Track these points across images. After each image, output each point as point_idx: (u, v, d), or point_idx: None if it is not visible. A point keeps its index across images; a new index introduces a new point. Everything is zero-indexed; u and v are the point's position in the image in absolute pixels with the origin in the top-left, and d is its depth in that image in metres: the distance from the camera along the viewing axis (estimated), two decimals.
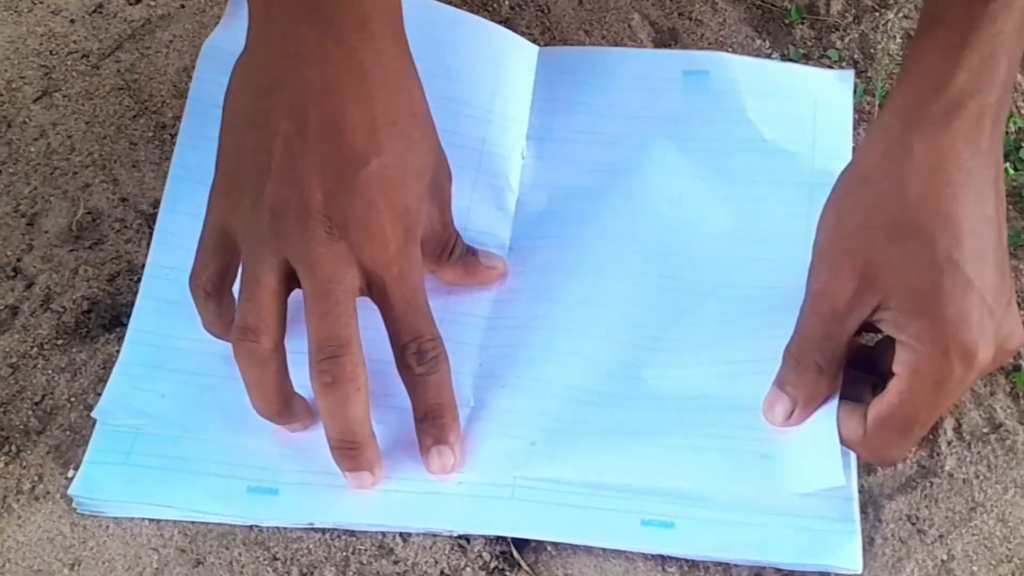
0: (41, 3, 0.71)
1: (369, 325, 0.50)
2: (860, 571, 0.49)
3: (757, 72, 0.65)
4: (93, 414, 0.53)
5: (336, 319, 0.48)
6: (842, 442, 0.50)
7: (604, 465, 0.52)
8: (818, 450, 0.50)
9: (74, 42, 0.70)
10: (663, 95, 0.64)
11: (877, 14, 0.69)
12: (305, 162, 0.48)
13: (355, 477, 0.51)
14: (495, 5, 0.71)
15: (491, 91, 0.64)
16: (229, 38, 0.60)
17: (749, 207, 0.60)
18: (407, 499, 0.51)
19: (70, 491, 0.51)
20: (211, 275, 0.51)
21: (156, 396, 0.54)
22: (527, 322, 0.56)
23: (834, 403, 0.51)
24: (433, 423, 0.51)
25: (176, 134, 0.66)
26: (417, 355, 0.51)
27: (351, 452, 0.50)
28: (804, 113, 0.62)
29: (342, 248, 0.48)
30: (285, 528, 0.51)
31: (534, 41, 0.69)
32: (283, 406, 0.51)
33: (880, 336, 0.53)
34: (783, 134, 0.62)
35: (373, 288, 0.50)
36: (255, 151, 0.49)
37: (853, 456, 0.52)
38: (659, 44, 0.69)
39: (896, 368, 0.49)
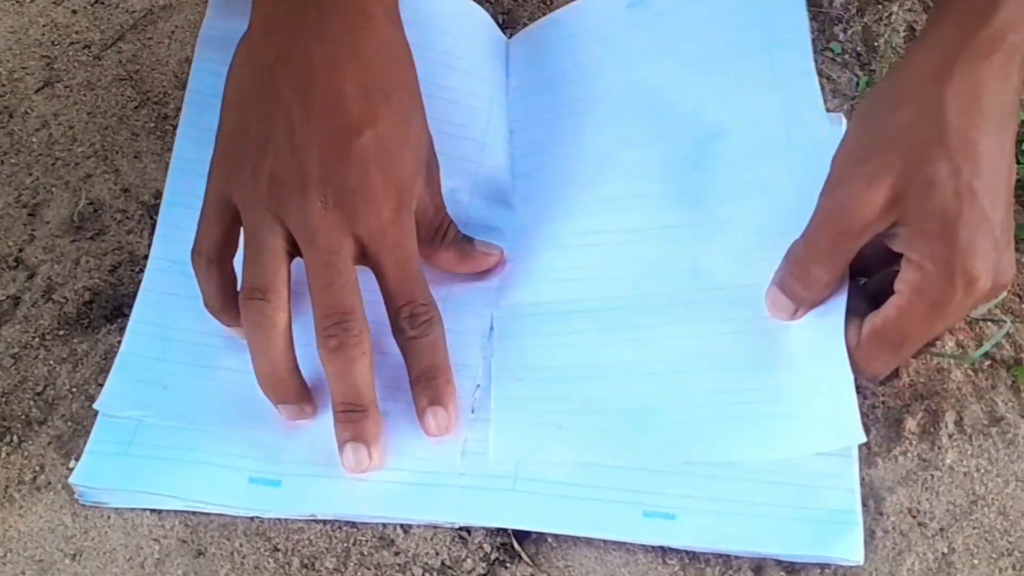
0: None
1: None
2: (862, 562, 0.49)
3: None
4: (95, 406, 0.53)
5: (339, 288, 0.50)
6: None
7: (620, 444, 0.51)
8: (834, 406, 0.51)
9: (76, 32, 0.70)
10: (613, 37, 0.64)
11: (880, 6, 0.69)
12: (304, 134, 0.50)
13: (354, 451, 0.50)
14: None
15: (493, 84, 0.64)
16: (223, 27, 0.60)
17: (729, 130, 0.59)
18: (408, 491, 0.51)
19: (71, 480, 0.51)
20: (214, 242, 0.52)
21: (158, 388, 0.54)
22: (530, 308, 0.56)
23: (845, 359, 0.51)
24: (427, 384, 0.52)
25: (177, 124, 0.66)
26: (410, 319, 0.51)
27: (355, 416, 0.50)
28: (752, 19, 0.62)
29: (338, 217, 0.50)
30: (286, 519, 0.51)
31: None
32: (289, 374, 0.51)
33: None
34: (738, 39, 0.61)
35: (368, 255, 0.51)
36: (257, 123, 0.51)
37: (855, 448, 0.52)
38: None
39: (899, 285, 0.50)
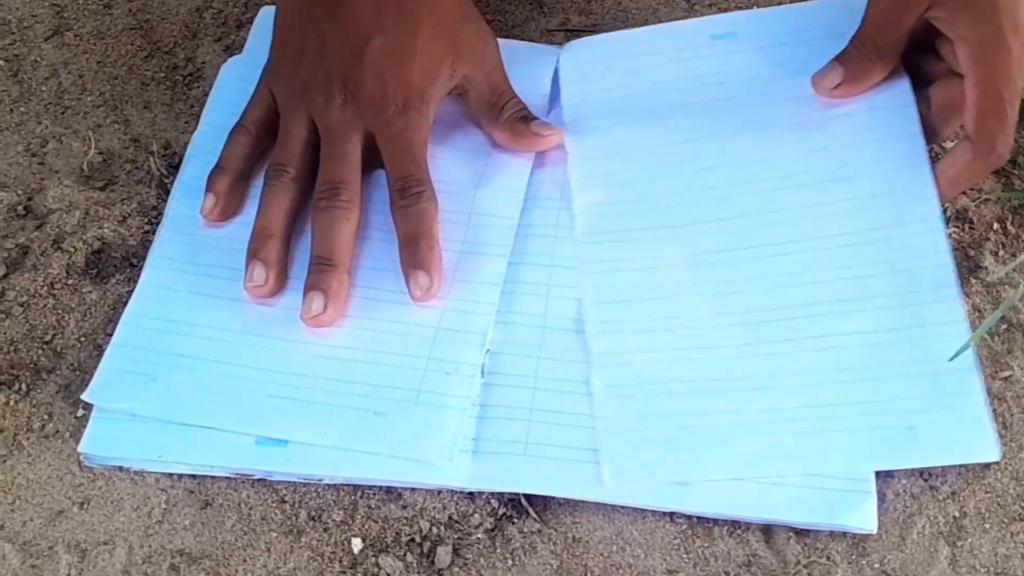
0: None
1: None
2: (875, 531, 0.49)
3: (781, 21, 0.64)
4: (84, 397, 0.52)
5: (341, 163, 0.56)
6: (954, 177, 0.55)
7: (733, 456, 0.50)
8: (967, 421, 0.50)
9: None
10: (693, 63, 0.63)
11: None
12: (330, 46, 0.58)
13: (312, 299, 0.53)
14: None
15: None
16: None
17: (809, 157, 0.58)
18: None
19: (79, 448, 0.51)
20: (256, 118, 0.59)
21: (148, 379, 0.53)
22: (629, 325, 0.54)
23: (977, 379, 0.50)
24: (410, 250, 0.55)
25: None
26: (402, 190, 0.56)
27: (324, 267, 0.54)
28: (837, 48, 0.60)
29: (352, 112, 0.57)
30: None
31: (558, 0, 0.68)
32: (278, 235, 0.55)
33: None
34: None
35: (376, 143, 0.57)
36: (295, 39, 0.59)
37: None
38: None
39: (962, 69, 0.55)
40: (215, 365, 0.53)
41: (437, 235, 0.55)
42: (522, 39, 0.66)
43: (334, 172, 0.56)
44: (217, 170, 0.58)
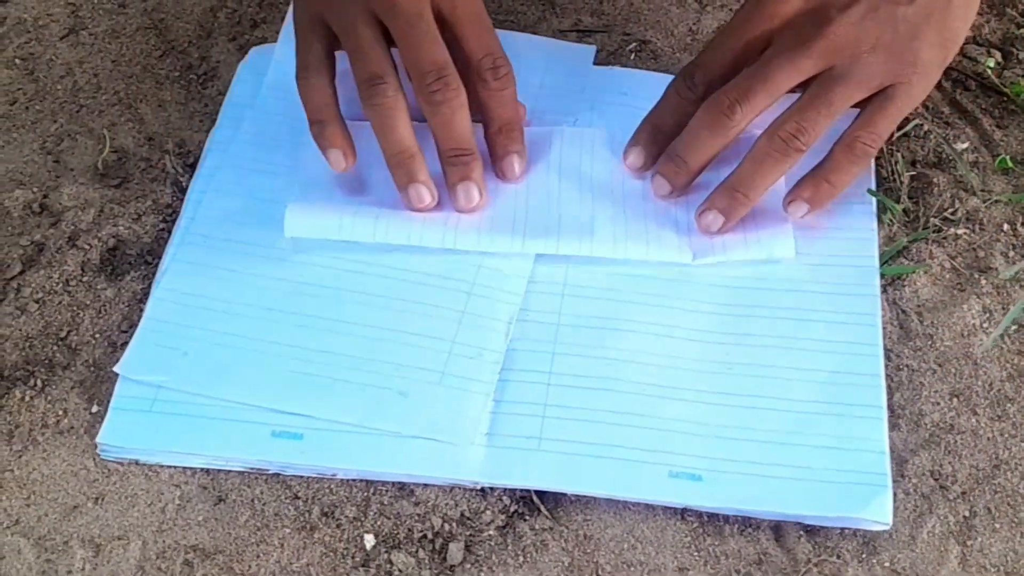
0: None
1: None
2: (890, 524, 0.49)
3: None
4: (116, 369, 0.53)
5: (430, 46, 0.55)
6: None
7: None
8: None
9: None
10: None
11: None
12: None
13: (465, 189, 0.56)
14: None
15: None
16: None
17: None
18: (431, 448, 0.51)
19: (97, 439, 0.51)
20: (317, 55, 0.57)
21: (179, 354, 0.54)
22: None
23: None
24: (508, 135, 0.58)
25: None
26: (492, 70, 0.57)
27: (462, 159, 0.56)
28: (532, 80, 0.63)
29: None
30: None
31: None
32: (418, 151, 0.56)
33: None
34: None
35: (444, 13, 0.56)
36: None
37: (884, 411, 0.52)
38: None
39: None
40: (243, 341, 0.54)
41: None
42: None
43: (429, 56, 0.55)
44: (319, 124, 0.57)
